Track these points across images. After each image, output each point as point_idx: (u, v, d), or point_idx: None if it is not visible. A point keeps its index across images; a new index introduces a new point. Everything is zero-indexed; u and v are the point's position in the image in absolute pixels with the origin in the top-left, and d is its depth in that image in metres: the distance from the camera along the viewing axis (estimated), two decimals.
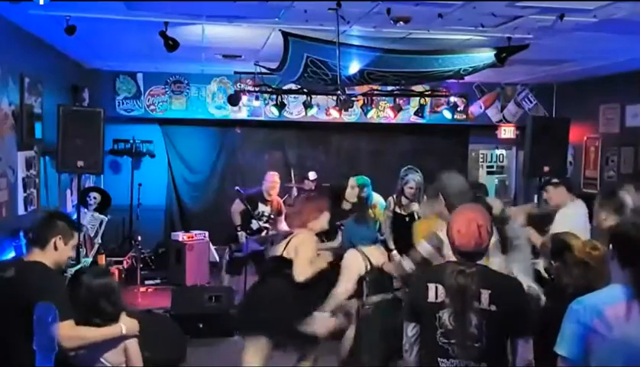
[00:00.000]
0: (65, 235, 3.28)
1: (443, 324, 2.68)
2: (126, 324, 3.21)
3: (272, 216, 7.33)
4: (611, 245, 2.46)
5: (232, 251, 7.49)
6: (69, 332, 3.04)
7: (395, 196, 6.29)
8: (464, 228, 2.76)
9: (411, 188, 6.14)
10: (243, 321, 4.76)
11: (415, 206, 6.14)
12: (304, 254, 4.52)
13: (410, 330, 2.84)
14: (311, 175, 9.81)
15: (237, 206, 7.50)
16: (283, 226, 7.22)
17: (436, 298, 2.71)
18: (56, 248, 3.23)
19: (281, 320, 4.38)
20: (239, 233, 7.39)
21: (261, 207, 7.41)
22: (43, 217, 3.38)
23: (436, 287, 2.72)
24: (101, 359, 3.14)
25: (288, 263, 4.51)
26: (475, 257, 2.77)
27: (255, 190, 7.70)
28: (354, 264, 4.78)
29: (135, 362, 3.24)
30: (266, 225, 7.30)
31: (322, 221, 4.85)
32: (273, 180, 7.48)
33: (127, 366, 3.22)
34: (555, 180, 5.36)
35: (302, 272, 4.45)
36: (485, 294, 2.64)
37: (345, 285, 4.71)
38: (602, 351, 2.30)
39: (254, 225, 7.40)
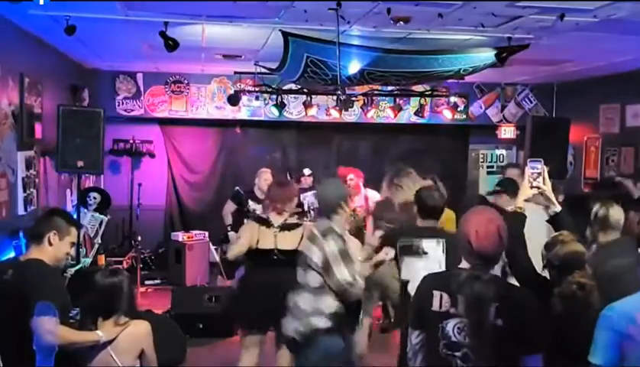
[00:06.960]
0: (60, 231, 3.27)
1: (446, 335, 2.46)
2: (105, 331, 3.12)
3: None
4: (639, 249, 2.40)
5: (224, 253, 7.42)
6: (50, 327, 3.01)
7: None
8: (483, 229, 2.46)
9: None
10: None
11: None
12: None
13: (414, 338, 2.63)
14: (306, 171, 9.81)
15: (229, 207, 7.29)
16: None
17: (440, 307, 2.48)
18: (50, 244, 3.23)
19: None
20: (229, 233, 7.15)
21: (252, 205, 7.22)
22: (41, 214, 3.39)
23: (441, 295, 2.49)
24: (116, 359, 3.12)
25: None
26: (493, 262, 2.50)
27: (247, 189, 7.49)
28: None
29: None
30: None
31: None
32: (266, 177, 7.17)
33: None
34: None
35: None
36: (492, 307, 2.39)
37: None
38: (638, 357, 2.23)
39: None
